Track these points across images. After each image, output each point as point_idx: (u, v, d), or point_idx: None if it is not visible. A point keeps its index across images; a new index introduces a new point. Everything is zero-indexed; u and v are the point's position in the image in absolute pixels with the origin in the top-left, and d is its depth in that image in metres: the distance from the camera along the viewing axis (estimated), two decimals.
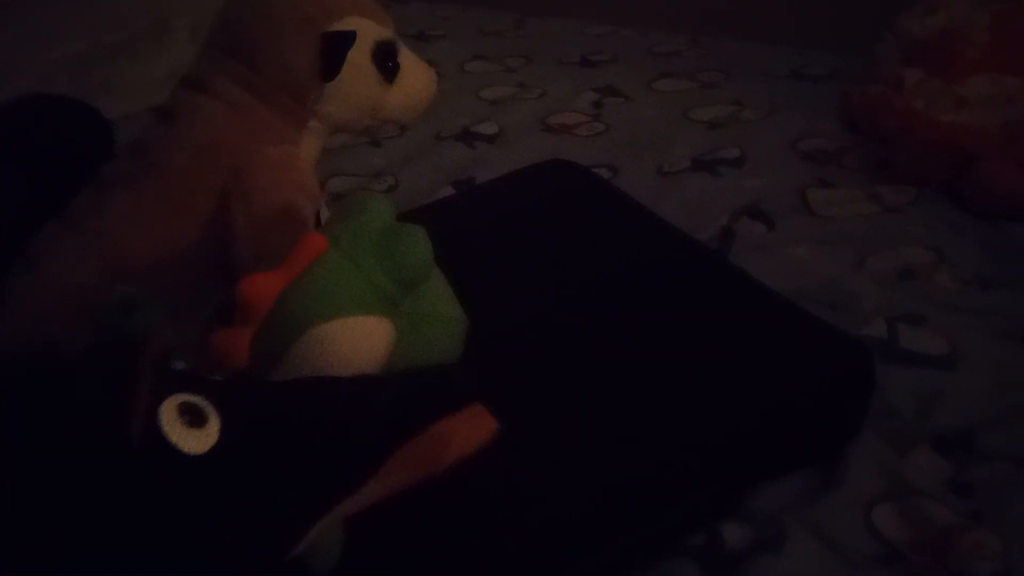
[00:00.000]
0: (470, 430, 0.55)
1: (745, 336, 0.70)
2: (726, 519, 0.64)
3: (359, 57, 0.74)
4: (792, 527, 0.63)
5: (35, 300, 0.73)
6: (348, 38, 0.73)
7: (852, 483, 0.65)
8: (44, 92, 0.93)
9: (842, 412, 0.69)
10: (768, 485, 0.66)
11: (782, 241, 0.92)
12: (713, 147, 1.11)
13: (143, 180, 0.74)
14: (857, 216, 0.95)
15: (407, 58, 0.78)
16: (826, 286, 0.84)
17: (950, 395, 0.73)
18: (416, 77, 0.78)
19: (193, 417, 0.49)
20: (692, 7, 1.59)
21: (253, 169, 0.72)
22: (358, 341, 0.65)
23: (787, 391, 0.66)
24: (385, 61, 0.75)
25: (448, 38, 1.56)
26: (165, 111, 0.77)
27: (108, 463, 0.47)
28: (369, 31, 0.75)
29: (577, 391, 0.67)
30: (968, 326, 0.79)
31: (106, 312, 0.64)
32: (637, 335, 0.71)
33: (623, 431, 0.63)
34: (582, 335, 0.72)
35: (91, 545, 0.47)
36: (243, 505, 0.50)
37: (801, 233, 0.93)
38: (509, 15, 1.65)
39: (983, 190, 0.94)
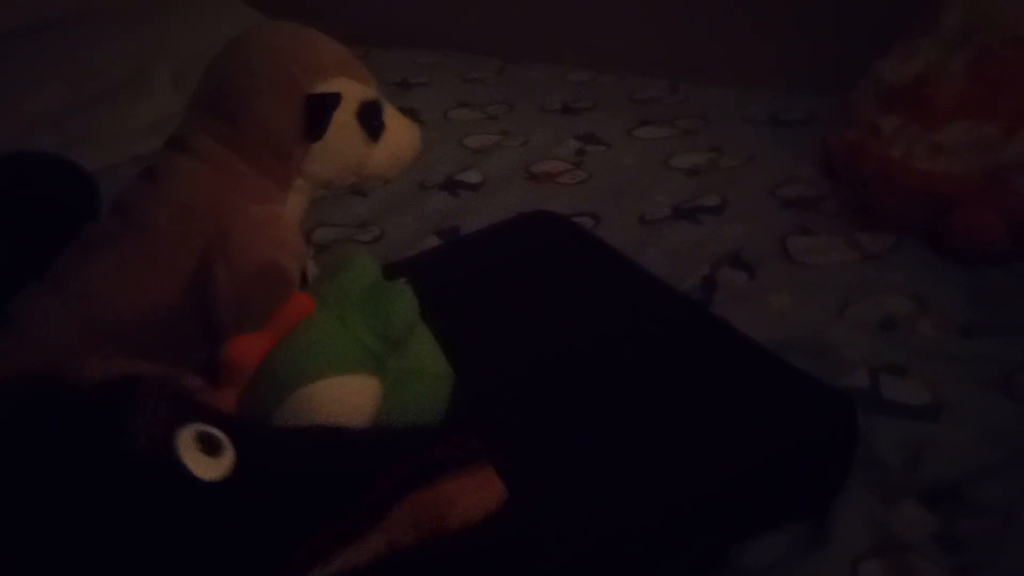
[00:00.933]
0: (478, 493, 0.55)
1: (728, 390, 0.70)
2: None
3: (345, 117, 0.75)
4: None
5: (15, 361, 0.72)
6: (333, 100, 0.73)
7: (840, 538, 0.65)
8: (28, 150, 0.93)
9: (826, 465, 0.69)
10: (756, 541, 0.66)
11: (763, 290, 0.92)
12: (693, 195, 1.12)
13: (125, 240, 0.74)
14: (837, 263, 0.96)
15: (391, 116, 0.79)
16: (808, 336, 0.84)
17: (936, 446, 0.73)
18: (400, 134, 0.79)
19: (209, 446, 0.50)
20: (670, 52, 1.61)
21: (236, 228, 0.72)
22: (345, 401, 0.65)
23: (770, 444, 0.66)
24: (370, 120, 0.76)
25: (430, 86, 1.57)
26: (149, 171, 0.77)
27: (118, 481, 0.48)
28: (354, 91, 0.75)
29: (559, 447, 0.67)
30: (952, 375, 0.79)
31: None
32: (619, 391, 0.71)
33: (605, 487, 0.63)
34: (564, 390, 0.72)
35: (95, 564, 0.48)
36: (244, 543, 0.50)
37: (782, 282, 0.93)
38: (490, 61, 1.67)
39: (961, 236, 0.95)
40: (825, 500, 0.67)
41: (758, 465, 0.65)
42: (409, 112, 1.40)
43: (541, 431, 0.68)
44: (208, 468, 0.50)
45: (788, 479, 0.67)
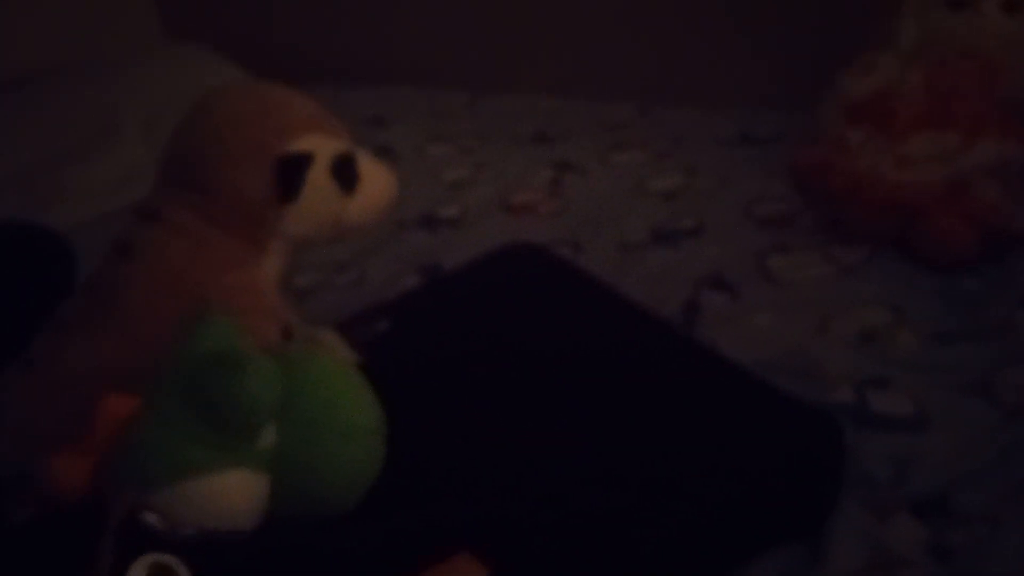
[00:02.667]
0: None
1: (715, 417, 0.71)
2: None
3: (317, 174, 0.73)
4: None
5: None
6: (304, 161, 0.72)
7: (837, 557, 0.66)
8: (6, 220, 0.92)
9: (816, 485, 0.70)
10: (752, 564, 0.67)
11: (745, 310, 0.94)
12: (670, 218, 1.13)
13: (100, 322, 0.73)
14: (815, 279, 0.98)
15: (365, 164, 0.78)
16: (792, 354, 0.85)
17: (923, 457, 0.74)
18: (376, 182, 0.78)
19: None
20: (637, 75, 1.63)
21: (212, 299, 0.71)
22: (207, 504, 0.59)
23: (757, 469, 0.67)
24: (343, 173, 0.75)
25: (402, 122, 1.58)
26: (121, 245, 0.75)
27: None
28: (325, 146, 0.74)
29: (546, 478, 0.67)
30: (933, 384, 0.81)
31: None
32: (607, 423, 0.72)
33: (598, 518, 0.63)
34: (551, 423, 0.73)
35: None
36: None
37: (763, 301, 0.95)
38: (461, 94, 1.68)
39: (931, 244, 0.97)
40: (819, 520, 0.68)
41: (746, 490, 0.66)
42: (384, 150, 1.42)
43: (529, 462, 0.69)
44: None
45: (778, 502, 0.68)
